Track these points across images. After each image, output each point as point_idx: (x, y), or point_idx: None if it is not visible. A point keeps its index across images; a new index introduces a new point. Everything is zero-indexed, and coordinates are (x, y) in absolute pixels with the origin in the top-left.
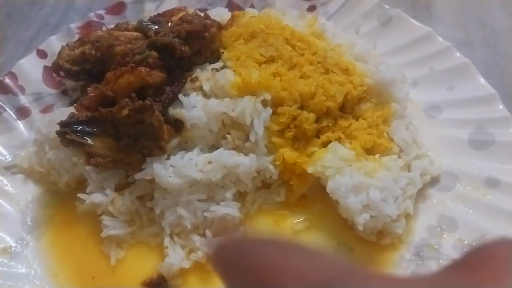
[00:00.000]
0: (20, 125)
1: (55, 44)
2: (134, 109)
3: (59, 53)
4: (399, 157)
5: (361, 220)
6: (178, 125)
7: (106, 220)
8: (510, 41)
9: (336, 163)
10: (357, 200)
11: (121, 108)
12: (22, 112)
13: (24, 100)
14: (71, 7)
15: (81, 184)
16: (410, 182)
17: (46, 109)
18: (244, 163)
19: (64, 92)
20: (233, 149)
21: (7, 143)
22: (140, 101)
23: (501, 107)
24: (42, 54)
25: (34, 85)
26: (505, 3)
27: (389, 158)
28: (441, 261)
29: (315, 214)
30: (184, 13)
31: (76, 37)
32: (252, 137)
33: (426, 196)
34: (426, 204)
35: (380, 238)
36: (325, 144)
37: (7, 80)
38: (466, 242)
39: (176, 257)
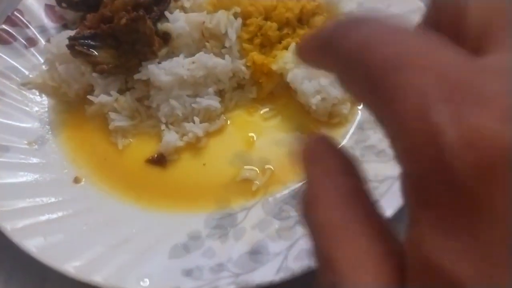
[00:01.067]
0: (31, 51)
1: None
2: (131, 18)
3: None
4: None
5: (314, 101)
6: (166, 37)
7: (112, 115)
8: None
9: (294, 59)
10: (311, 86)
11: (119, 19)
12: (31, 41)
13: (31, 32)
14: None
15: (88, 94)
16: None
17: (50, 40)
18: (221, 63)
19: (65, 26)
20: (212, 54)
21: (22, 65)
22: (135, 12)
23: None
24: None
25: (38, 20)
26: None
27: None
28: (377, 131)
29: (281, 105)
30: None
31: None
32: (227, 44)
33: None
34: None
35: (331, 118)
36: (286, 48)
37: (15, 15)
38: None
39: (171, 138)
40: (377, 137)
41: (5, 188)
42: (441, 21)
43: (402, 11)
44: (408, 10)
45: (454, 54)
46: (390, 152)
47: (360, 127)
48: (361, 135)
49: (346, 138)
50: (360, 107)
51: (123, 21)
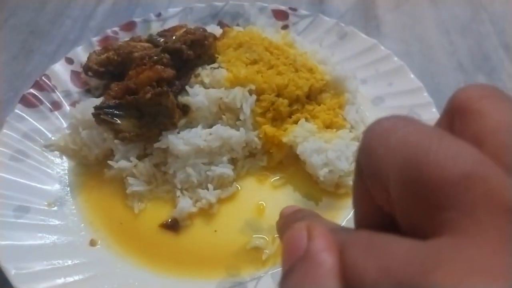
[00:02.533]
0: (55, 114)
1: (80, 53)
2: (155, 93)
3: (89, 58)
4: (350, 131)
5: (322, 173)
6: (185, 109)
7: (130, 180)
8: (440, 52)
9: (303, 134)
10: (319, 159)
11: (145, 93)
12: (56, 105)
13: (56, 96)
14: (86, 26)
15: (106, 158)
16: None
17: (74, 104)
18: (236, 135)
19: (88, 91)
20: (227, 126)
21: (45, 128)
22: (159, 88)
23: (425, 94)
24: (70, 61)
25: (64, 85)
26: (438, 23)
27: (343, 131)
28: None
29: (289, 174)
30: (185, 28)
31: (97, 48)
32: (241, 117)
33: None
34: None
35: (337, 189)
36: (295, 122)
37: (43, 80)
38: None
39: (185, 204)
40: None
41: (24, 250)
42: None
43: (403, 89)
44: (409, 89)
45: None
46: None
47: None
48: None
49: (351, 208)
50: None
51: (148, 95)
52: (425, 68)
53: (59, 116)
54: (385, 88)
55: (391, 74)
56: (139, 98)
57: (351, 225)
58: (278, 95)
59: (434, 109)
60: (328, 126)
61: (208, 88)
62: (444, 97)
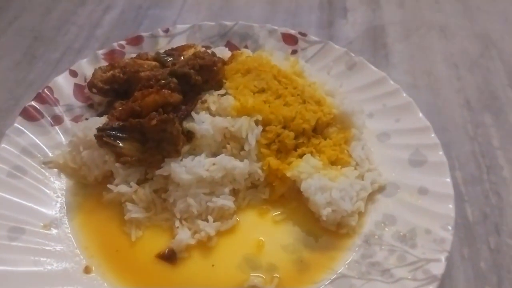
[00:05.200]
0: (56, 129)
1: (84, 66)
2: (161, 120)
3: (94, 74)
4: (355, 169)
5: (325, 212)
6: (190, 135)
7: (129, 206)
8: (447, 87)
9: (308, 169)
10: (323, 197)
11: (150, 119)
12: (57, 119)
13: (58, 110)
14: (92, 35)
15: (106, 179)
16: (363, 187)
17: (75, 119)
18: (240, 166)
19: (91, 106)
20: (231, 156)
21: (45, 143)
22: (166, 115)
23: (433, 135)
24: (73, 73)
25: (66, 98)
26: (447, 57)
27: (348, 169)
28: (383, 247)
29: (291, 209)
30: (193, 49)
31: (102, 61)
32: (246, 147)
33: (374, 199)
34: (374, 205)
35: (339, 228)
36: (300, 156)
37: (45, 93)
38: (401, 233)
39: (184, 235)
40: (383, 255)
41: (18, 277)
42: None
43: (410, 127)
44: (416, 128)
45: None
46: (395, 273)
47: (367, 241)
48: (368, 250)
49: (353, 251)
50: (368, 220)
51: (154, 122)
52: (432, 103)
53: (60, 132)
54: (392, 124)
55: (399, 110)
56: (144, 123)
57: (353, 268)
58: (284, 127)
59: (441, 152)
60: (334, 163)
61: (214, 115)
62: (451, 136)
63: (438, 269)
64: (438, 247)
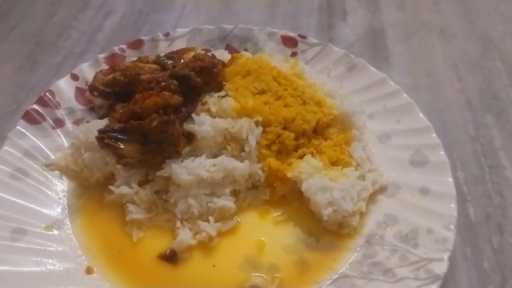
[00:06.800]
0: (57, 132)
1: (85, 70)
2: (162, 121)
3: (95, 77)
4: (356, 169)
5: (326, 212)
6: (190, 137)
7: (130, 207)
8: (448, 88)
9: (309, 170)
10: (324, 197)
11: (151, 121)
12: (58, 122)
13: (60, 113)
14: (93, 40)
15: (107, 181)
16: (364, 188)
17: (77, 122)
18: (240, 167)
19: (92, 109)
20: (231, 157)
21: (47, 146)
22: (166, 116)
23: (434, 135)
24: (75, 77)
25: (67, 102)
26: (447, 58)
27: (349, 169)
28: (384, 247)
29: (292, 210)
30: (193, 52)
31: (103, 65)
32: (246, 148)
33: (376, 200)
34: (376, 206)
35: (340, 229)
36: (301, 157)
37: (47, 96)
38: (403, 233)
39: (185, 236)
40: (385, 255)
41: (20, 277)
42: None
43: (411, 128)
44: (417, 128)
45: None
46: (397, 272)
47: (368, 241)
48: (369, 250)
49: (354, 251)
50: (369, 220)
51: (154, 123)
52: (433, 104)
53: (61, 134)
54: (393, 125)
55: (399, 110)
56: (145, 124)
57: (355, 268)
58: (284, 128)
59: (442, 152)
60: (334, 163)
61: (214, 116)
62: (452, 137)
63: (440, 268)
64: (440, 246)
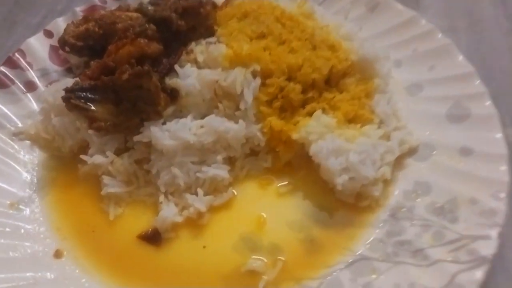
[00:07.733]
0: (28, 97)
1: (61, 25)
2: (133, 73)
3: (65, 30)
4: (379, 127)
5: (340, 180)
6: (173, 94)
7: (106, 179)
8: (493, 28)
9: (319, 129)
10: (337, 162)
11: (121, 73)
12: (30, 86)
13: (31, 75)
14: None
15: (82, 150)
16: (389, 150)
17: (51, 84)
18: (234, 128)
19: (69, 70)
20: (224, 116)
21: (16, 113)
22: (139, 67)
23: (477, 82)
24: (49, 34)
25: (41, 62)
26: None
27: (370, 127)
28: (414, 222)
29: (299, 179)
30: None
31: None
32: (242, 106)
33: (404, 165)
34: (404, 172)
35: (359, 200)
36: (310, 114)
37: (16, 56)
38: (438, 204)
39: (169, 211)
40: (414, 231)
41: None
42: None
43: (448, 75)
44: (456, 75)
45: None
46: (431, 254)
47: (393, 215)
48: (395, 226)
49: (376, 227)
50: (395, 189)
51: (125, 76)
52: (474, 49)
53: (32, 99)
54: (425, 73)
55: (433, 55)
56: (115, 79)
57: (376, 248)
58: (289, 79)
59: (488, 102)
60: (351, 120)
61: (202, 67)
62: (498, 86)
63: (488, 248)
64: (487, 220)
